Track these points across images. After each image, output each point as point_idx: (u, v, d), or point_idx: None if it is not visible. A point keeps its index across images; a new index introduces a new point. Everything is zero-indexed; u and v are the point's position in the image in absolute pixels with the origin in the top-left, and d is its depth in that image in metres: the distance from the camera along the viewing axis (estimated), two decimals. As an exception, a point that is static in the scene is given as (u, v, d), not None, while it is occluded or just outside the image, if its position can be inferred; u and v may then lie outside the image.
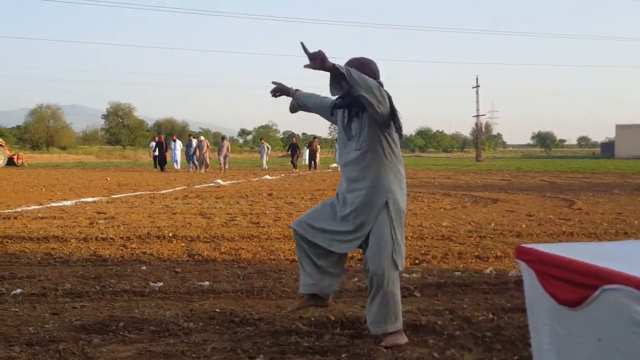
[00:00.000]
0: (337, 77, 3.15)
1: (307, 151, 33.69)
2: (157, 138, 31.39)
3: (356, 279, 5.15)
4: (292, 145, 33.05)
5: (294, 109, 3.95)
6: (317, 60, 3.12)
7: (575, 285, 1.85)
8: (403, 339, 3.43)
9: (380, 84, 3.31)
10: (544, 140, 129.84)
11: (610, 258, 1.89)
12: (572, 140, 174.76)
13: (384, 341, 3.39)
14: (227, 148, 30.19)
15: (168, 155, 30.88)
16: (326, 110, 3.74)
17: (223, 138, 33.22)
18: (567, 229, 8.14)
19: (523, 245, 2.11)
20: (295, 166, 31.66)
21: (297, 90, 3.93)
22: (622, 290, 1.71)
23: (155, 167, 29.73)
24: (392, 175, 3.51)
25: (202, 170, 28.14)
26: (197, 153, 28.70)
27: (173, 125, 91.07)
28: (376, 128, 3.39)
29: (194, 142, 29.14)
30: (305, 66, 3.17)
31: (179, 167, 30.05)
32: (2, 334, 3.61)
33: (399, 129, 3.47)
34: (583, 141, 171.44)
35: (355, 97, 3.29)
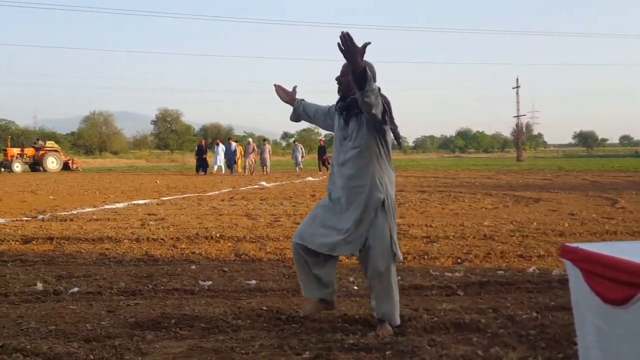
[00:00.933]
0: (360, 78, 3.20)
1: None
2: (201, 142, 31.56)
3: (399, 277, 5.13)
4: (320, 147, 32.59)
5: (295, 118, 4.12)
6: (357, 55, 3.18)
7: (621, 284, 1.82)
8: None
9: (378, 89, 3.40)
10: (585, 139, 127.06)
11: (656, 256, 1.85)
12: (614, 139, 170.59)
13: (382, 331, 3.55)
14: (269, 151, 30.27)
15: (210, 158, 31.09)
16: (325, 115, 3.93)
17: (264, 140, 33.34)
18: (611, 228, 7.95)
19: (568, 244, 2.08)
20: (319, 169, 31.16)
21: (302, 100, 4.10)
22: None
23: (197, 171, 29.48)
24: (386, 173, 3.62)
25: (249, 173, 28.14)
26: (241, 156, 28.85)
27: (219, 129, 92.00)
28: (372, 128, 3.52)
29: (233, 145, 29.25)
30: (343, 52, 3.19)
31: (222, 170, 30.01)
32: (61, 330, 3.69)
33: (397, 137, 3.64)
34: (625, 140, 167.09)
35: (355, 99, 3.43)
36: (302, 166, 32.02)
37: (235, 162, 29.14)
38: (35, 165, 36.39)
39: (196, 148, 30.78)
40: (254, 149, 29.15)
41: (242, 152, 29.21)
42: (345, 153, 3.61)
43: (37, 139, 42.93)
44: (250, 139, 30.97)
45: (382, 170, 3.59)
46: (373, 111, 3.33)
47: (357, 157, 3.55)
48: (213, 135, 75.02)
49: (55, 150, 38.07)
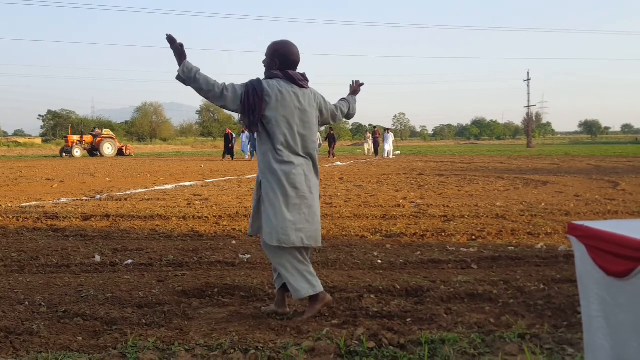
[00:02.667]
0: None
1: (372, 140, 33.39)
2: (227, 130, 31.24)
3: (419, 252, 5.12)
4: (329, 135, 32.02)
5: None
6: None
7: (623, 258, 1.80)
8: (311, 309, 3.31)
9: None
10: (590, 127, 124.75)
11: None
12: (616, 127, 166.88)
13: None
14: None
15: (237, 145, 30.91)
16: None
17: None
18: (612, 208, 7.81)
19: (574, 222, 2.06)
20: (329, 155, 30.63)
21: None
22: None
23: (224, 157, 28.98)
24: (262, 158, 3.34)
25: None
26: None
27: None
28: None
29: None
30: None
31: (246, 156, 29.05)
32: (117, 297, 3.76)
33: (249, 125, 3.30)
34: (627, 128, 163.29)
35: None
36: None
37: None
38: (93, 151, 36.90)
39: (223, 136, 30.63)
40: None
41: None
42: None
43: (95, 127, 43.57)
44: None
45: (261, 156, 3.32)
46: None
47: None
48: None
49: (111, 138, 38.54)
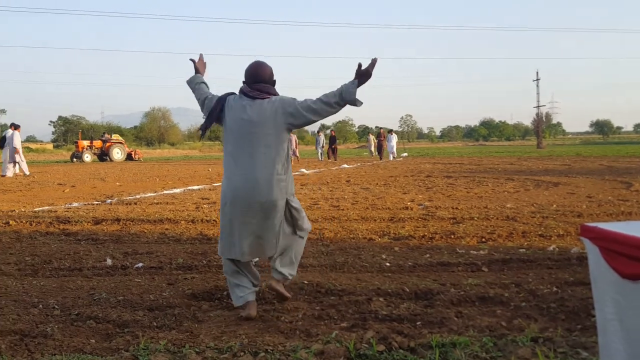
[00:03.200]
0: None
1: (373, 142, 33.25)
2: None
3: (428, 255, 5.09)
4: (331, 137, 31.50)
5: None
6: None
7: (637, 260, 1.78)
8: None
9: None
10: (601, 127, 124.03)
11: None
12: (628, 127, 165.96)
13: None
14: (295, 141, 29.86)
15: None
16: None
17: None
18: (626, 209, 7.73)
19: (587, 224, 2.03)
20: (329, 157, 30.61)
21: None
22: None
23: None
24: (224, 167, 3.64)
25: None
26: None
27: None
28: None
29: None
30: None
31: None
32: (128, 300, 3.78)
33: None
34: (639, 128, 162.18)
35: None
36: (321, 158, 30.99)
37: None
38: (103, 155, 37.09)
39: None
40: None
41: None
42: None
43: (104, 133, 43.83)
44: None
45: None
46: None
47: None
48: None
49: (120, 143, 38.73)
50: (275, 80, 3.58)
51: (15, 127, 19.72)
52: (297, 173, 18.53)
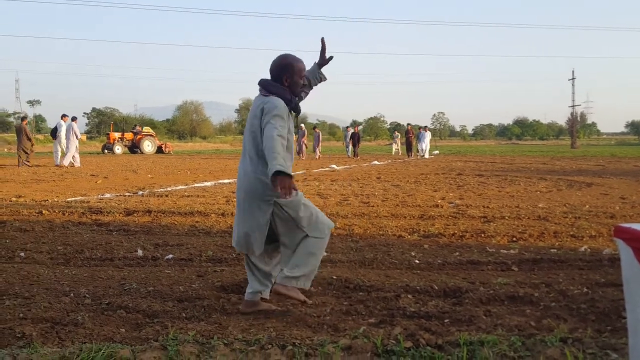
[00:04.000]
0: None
1: (401, 139, 33.02)
2: None
3: (457, 253, 5.07)
4: (353, 134, 30.84)
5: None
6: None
7: (672, 262, 1.76)
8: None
9: None
10: (637, 128, 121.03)
11: None
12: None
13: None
14: (319, 137, 29.63)
15: None
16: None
17: (314, 127, 32.17)
18: (662, 212, 7.57)
19: (621, 225, 2.01)
20: (348, 154, 30.24)
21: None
22: None
23: None
24: None
25: (301, 157, 27.09)
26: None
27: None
28: None
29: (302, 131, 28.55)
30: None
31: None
32: (158, 291, 3.83)
33: None
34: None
35: None
36: (319, 155, 30.11)
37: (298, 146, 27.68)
38: (134, 148, 37.64)
39: None
40: (305, 135, 28.33)
41: (305, 135, 28.55)
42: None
43: (135, 125, 44.48)
44: (303, 125, 30.29)
45: None
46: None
47: None
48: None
49: (151, 135, 39.25)
50: (282, 74, 3.40)
51: (73, 118, 20.69)
52: (326, 169, 18.56)
